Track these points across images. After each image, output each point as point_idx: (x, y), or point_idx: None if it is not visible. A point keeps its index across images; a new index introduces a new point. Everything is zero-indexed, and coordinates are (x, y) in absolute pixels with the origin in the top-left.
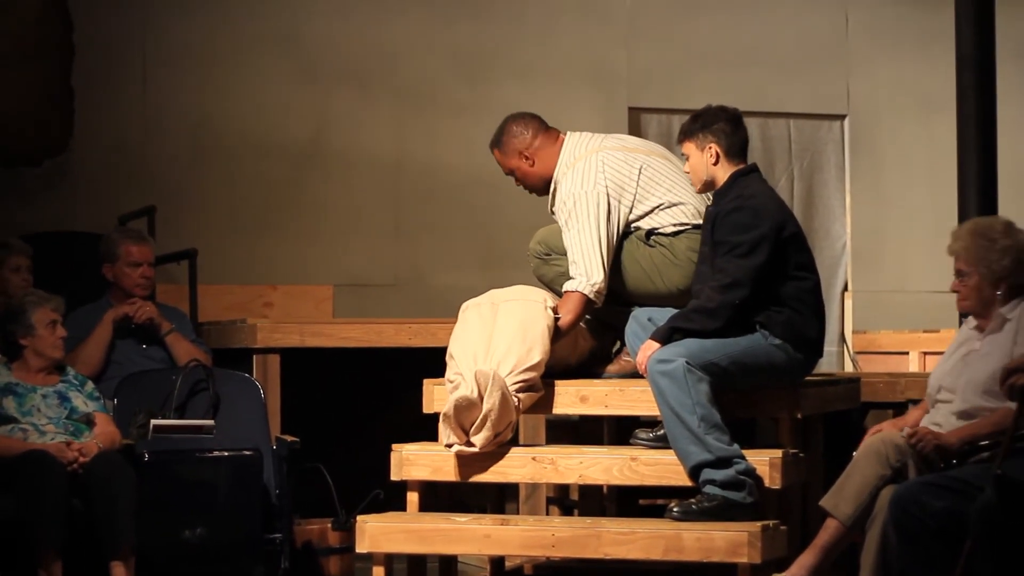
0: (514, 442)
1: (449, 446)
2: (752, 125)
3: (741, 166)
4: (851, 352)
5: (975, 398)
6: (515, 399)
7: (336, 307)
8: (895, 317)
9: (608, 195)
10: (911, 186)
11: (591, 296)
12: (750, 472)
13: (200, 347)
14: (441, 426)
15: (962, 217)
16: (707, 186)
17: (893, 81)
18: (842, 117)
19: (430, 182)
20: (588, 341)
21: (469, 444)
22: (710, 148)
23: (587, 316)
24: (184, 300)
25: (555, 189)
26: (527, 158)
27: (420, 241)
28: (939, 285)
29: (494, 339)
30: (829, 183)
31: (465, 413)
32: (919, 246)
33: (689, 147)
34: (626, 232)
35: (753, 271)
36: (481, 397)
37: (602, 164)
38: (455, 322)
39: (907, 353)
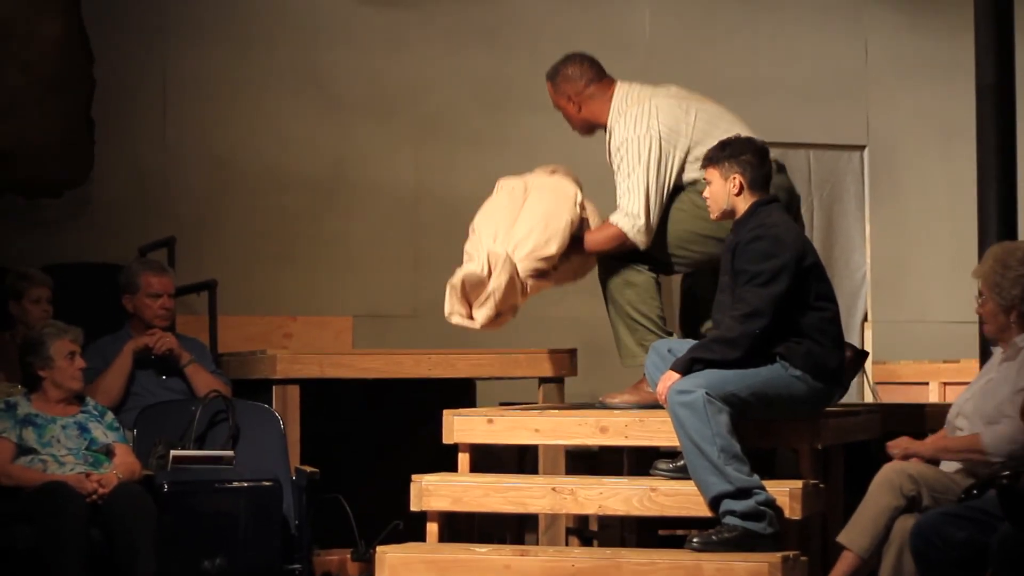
0: (533, 471)
1: (450, 316)
2: (771, 156)
3: (762, 197)
4: (871, 382)
5: (980, 425)
6: (522, 284)
7: (356, 338)
8: (915, 347)
9: (661, 140)
10: (931, 216)
11: (630, 234)
12: (770, 503)
13: (220, 378)
14: (447, 296)
15: (982, 247)
16: (725, 215)
17: (913, 111)
18: (862, 147)
19: (449, 213)
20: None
21: (470, 318)
22: (734, 178)
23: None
24: (204, 331)
25: (609, 137)
26: (574, 102)
27: (439, 272)
28: (959, 315)
29: (518, 221)
30: (849, 213)
31: (472, 288)
32: (939, 276)
33: (713, 174)
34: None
35: (773, 300)
36: (490, 275)
37: (656, 109)
38: (474, 353)
39: (927, 383)
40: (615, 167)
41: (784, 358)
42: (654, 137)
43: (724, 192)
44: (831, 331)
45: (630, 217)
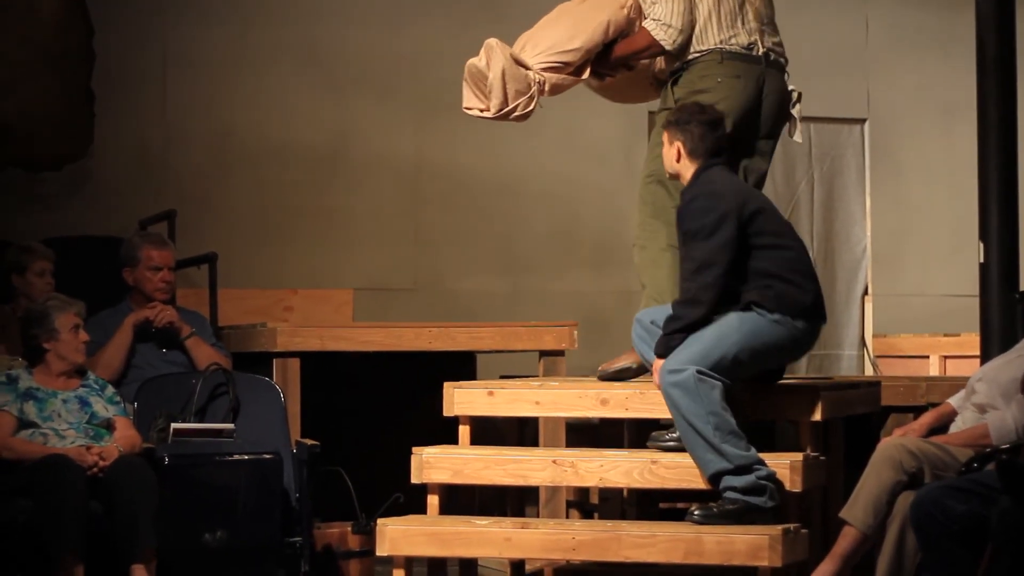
0: (534, 443)
1: (468, 109)
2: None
3: (705, 163)
4: (871, 356)
5: (993, 395)
6: (538, 76)
7: (356, 311)
8: (915, 321)
9: None
10: (931, 190)
11: (660, 37)
12: (771, 477)
13: (220, 351)
14: (463, 90)
15: (983, 221)
16: (673, 177)
17: (914, 85)
18: (862, 121)
19: (450, 187)
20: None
21: (484, 111)
22: (676, 144)
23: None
24: (204, 304)
25: None
26: None
27: (440, 245)
28: (960, 289)
29: (561, 16)
30: (849, 187)
31: (477, 79)
32: (939, 250)
33: (665, 136)
34: None
35: (720, 248)
36: (488, 66)
37: None
38: (474, 326)
39: (927, 357)
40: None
41: (758, 305)
42: None
43: (670, 156)
44: (799, 267)
45: (660, 23)
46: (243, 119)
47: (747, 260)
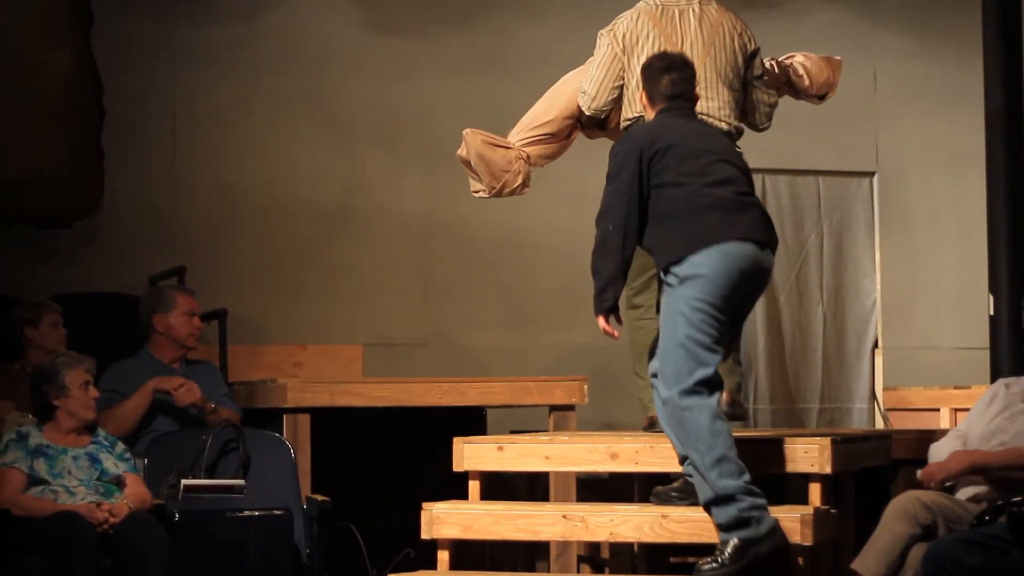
0: (544, 498)
1: (475, 192)
2: (781, 183)
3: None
4: (882, 409)
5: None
6: (521, 153)
7: (365, 366)
8: (926, 374)
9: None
10: (941, 243)
11: (581, 102)
12: (756, 506)
13: (231, 404)
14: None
15: (992, 273)
16: None
17: (922, 138)
18: (871, 174)
19: (458, 241)
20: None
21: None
22: (641, 95)
23: None
24: (214, 360)
25: None
26: None
27: (449, 301)
28: (970, 341)
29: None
30: (858, 240)
31: (465, 167)
32: (949, 303)
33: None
34: None
35: (616, 191)
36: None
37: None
38: (484, 381)
39: (938, 409)
40: None
41: (665, 273)
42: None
43: (648, 112)
44: (696, 201)
45: (581, 90)
46: (251, 173)
47: (649, 202)
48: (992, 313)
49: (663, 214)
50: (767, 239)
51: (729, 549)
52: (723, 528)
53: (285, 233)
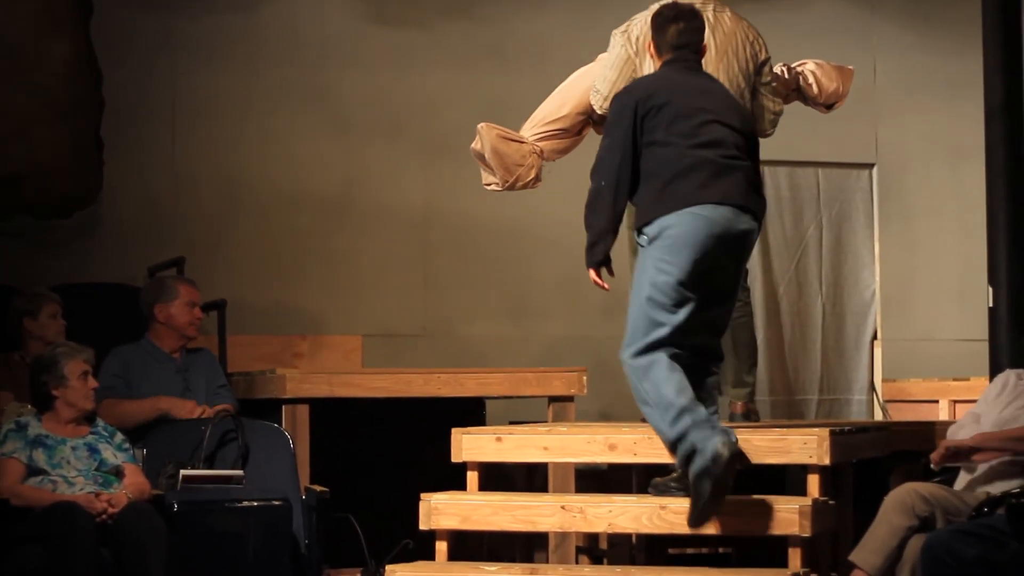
0: (543, 489)
1: (487, 185)
2: (780, 174)
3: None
4: (881, 400)
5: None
6: (534, 147)
7: (365, 357)
8: (925, 365)
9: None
10: (940, 235)
11: (593, 101)
12: (697, 440)
13: (227, 395)
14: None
15: (991, 265)
16: None
17: (921, 130)
18: (870, 166)
19: (459, 233)
20: None
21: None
22: (649, 44)
23: None
24: (213, 350)
25: None
26: None
27: (448, 291)
28: (969, 333)
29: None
30: (858, 232)
31: (480, 159)
32: (948, 294)
33: None
34: None
35: (609, 147)
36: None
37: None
38: (483, 372)
39: (937, 401)
40: None
41: (639, 232)
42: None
43: (654, 60)
44: (679, 163)
45: (593, 89)
46: (251, 165)
47: (641, 159)
48: (991, 305)
49: (647, 173)
50: (747, 203)
51: (677, 479)
52: (680, 466)
53: (284, 224)
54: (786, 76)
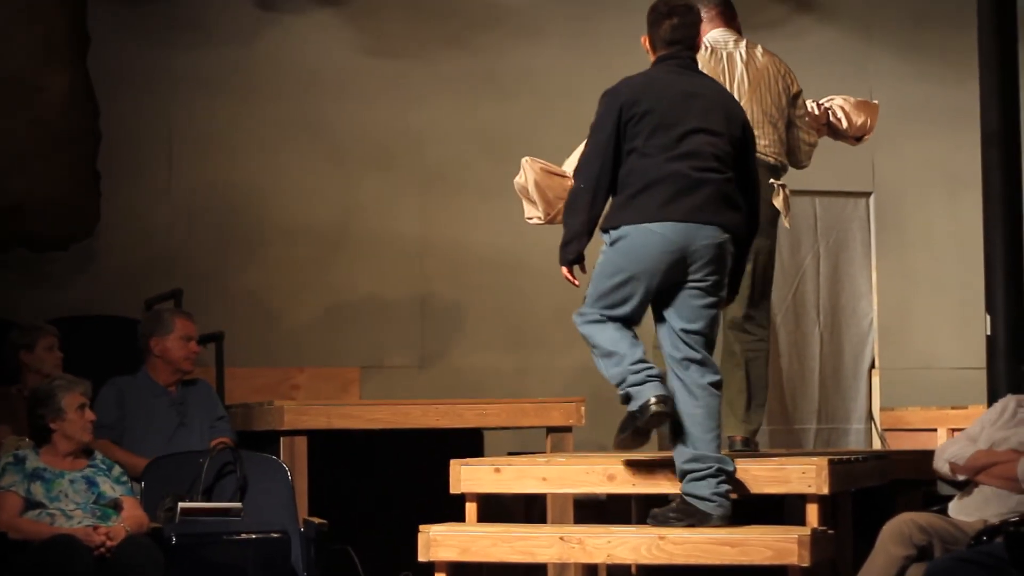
0: (541, 520)
1: (529, 219)
2: None
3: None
4: (879, 429)
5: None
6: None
7: (363, 389)
8: (923, 394)
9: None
10: (937, 263)
11: None
12: (636, 381)
13: (225, 427)
14: (523, 203)
15: (989, 293)
16: None
17: (918, 158)
18: (868, 194)
19: (455, 264)
20: None
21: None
22: (644, 39)
23: None
24: (211, 383)
25: None
26: None
27: (446, 323)
28: (967, 361)
29: None
30: (855, 260)
31: (523, 193)
32: (946, 323)
33: None
34: None
35: (592, 150)
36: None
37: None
38: (481, 403)
39: (935, 430)
40: None
41: (604, 231)
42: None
43: (649, 55)
44: (651, 174)
45: None
46: (248, 197)
47: (619, 162)
48: (989, 333)
49: (622, 179)
50: (712, 219)
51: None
52: (621, 403)
53: (281, 255)
54: (817, 112)
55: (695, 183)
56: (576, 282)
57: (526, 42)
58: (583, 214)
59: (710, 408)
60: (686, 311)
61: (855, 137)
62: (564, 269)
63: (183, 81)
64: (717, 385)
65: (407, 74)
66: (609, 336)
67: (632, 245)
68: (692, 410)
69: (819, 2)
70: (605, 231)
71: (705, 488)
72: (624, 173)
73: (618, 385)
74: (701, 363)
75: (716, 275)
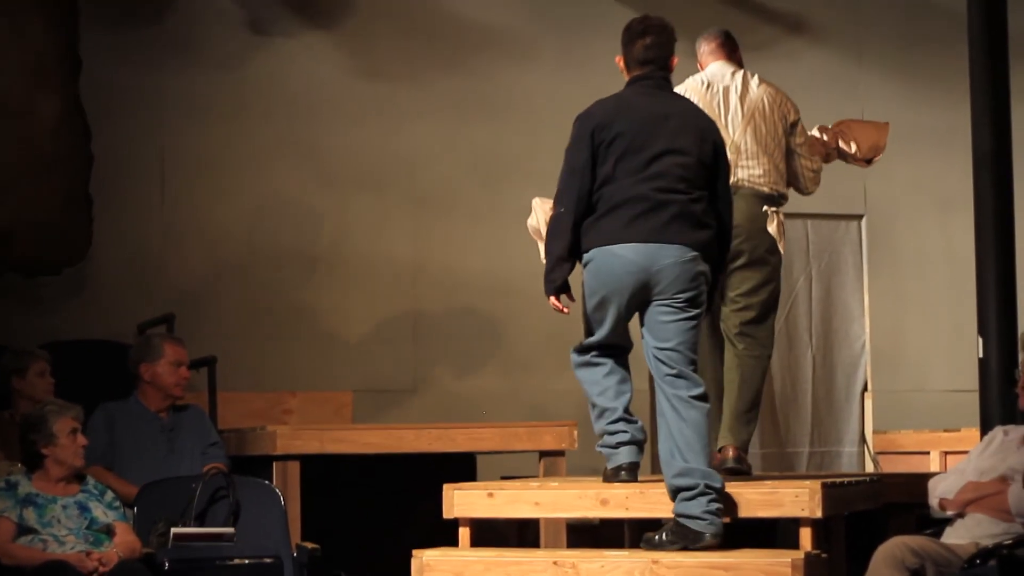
0: (535, 544)
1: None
2: None
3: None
4: (872, 452)
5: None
6: None
7: (356, 413)
8: (915, 417)
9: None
10: (929, 286)
11: None
12: (610, 430)
13: (219, 455)
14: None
15: (981, 316)
16: None
17: (910, 180)
18: (859, 217)
19: (448, 287)
20: None
21: None
22: (619, 61)
23: None
24: (204, 407)
25: None
26: None
27: (439, 347)
28: (959, 384)
29: None
30: (847, 283)
31: (535, 235)
32: (938, 345)
33: None
34: None
35: (568, 175)
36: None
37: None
38: (474, 427)
39: (928, 453)
40: None
41: (579, 255)
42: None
43: (624, 74)
44: (616, 198)
45: None
46: (241, 220)
47: (593, 188)
48: (981, 356)
49: (593, 204)
50: (678, 239)
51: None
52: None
53: (274, 279)
54: (825, 137)
55: (657, 204)
56: (565, 310)
57: (517, 64)
58: (564, 238)
59: (695, 421)
60: (658, 329)
61: (866, 159)
62: (552, 299)
63: (174, 104)
64: (702, 398)
65: (398, 96)
66: (596, 383)
67: (599, 267)
68: (677, 424)
69: (810, 24)
70: (579, 256)
71: (696, 507)
72: (595, 198)
73: (599, 437)
74: (679, 376)
75: (685, 292)
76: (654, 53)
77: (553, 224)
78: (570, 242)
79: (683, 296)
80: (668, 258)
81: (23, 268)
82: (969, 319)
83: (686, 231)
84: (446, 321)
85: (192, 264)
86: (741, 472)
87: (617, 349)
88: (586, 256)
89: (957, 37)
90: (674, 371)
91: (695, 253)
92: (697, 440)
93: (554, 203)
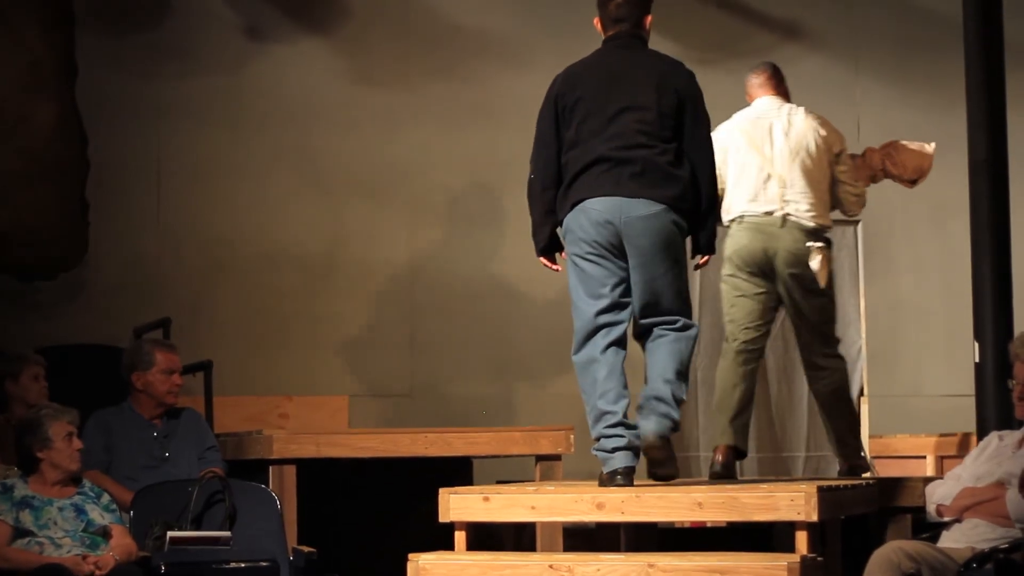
0: (531, 548)
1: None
2: None
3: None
4: (868, 456)
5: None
6: None
7: (352, 417)
8: (911, 421)
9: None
10: (926, 291)
11: None
12: (604, 434)
13: (216, 460)
14: None
15: (977, 320)
16: None
17: None
18: (856, 222)
19: (444, 292)
20: None
21: None
22: (596, 23)
23: None
24: (200, 412)
25: None
26: None
27: (435, 351)
28: (955, 389)
29: None
30: (843, 288)
31: None
32: (934, 350)
33: None
34: None
35: (540, 141)
36: None
37: None
38: (470, 431)
39: (924, 457)
40: None
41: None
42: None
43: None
44: (580, 160)
45: None
46: (237, 226)
47: (561, 155)
48: (977, 360)
49: (563, 168)
50: (642, 192)
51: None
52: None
53: (270, 284)
54: (874, 159)
55: (618, 162)
56: (557, 268)
57: (516, 71)
58: (538, 203)
59: (666, 351)
60: (637, 288)
61: (910, 180)
62: (542, 259)
63: (171, 110)
64: (680, 328)
65: (394, 102)
66: (594, 382)
67: (572, 228)
68: (652, 352)
69: (807, 30)
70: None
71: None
72: (564, 161)
73: (594, 441)
74: (661, 324)
75: (657, 246)
76: (625, 11)
77: (528, 189)
78: (544, 205)
79: (655, 250)
80: (634, 211)
81: (19, 273)
82: (965, 324)
83: (650, 186)
84: (442, 326)
85: (188, 269)
86: (724, 476)
87: (625, 309)
88: (562, 229)
89: (953, 43)
90: (656, 320)
91: (661, 206)
92: (666, 368)
93: (530, 167)
